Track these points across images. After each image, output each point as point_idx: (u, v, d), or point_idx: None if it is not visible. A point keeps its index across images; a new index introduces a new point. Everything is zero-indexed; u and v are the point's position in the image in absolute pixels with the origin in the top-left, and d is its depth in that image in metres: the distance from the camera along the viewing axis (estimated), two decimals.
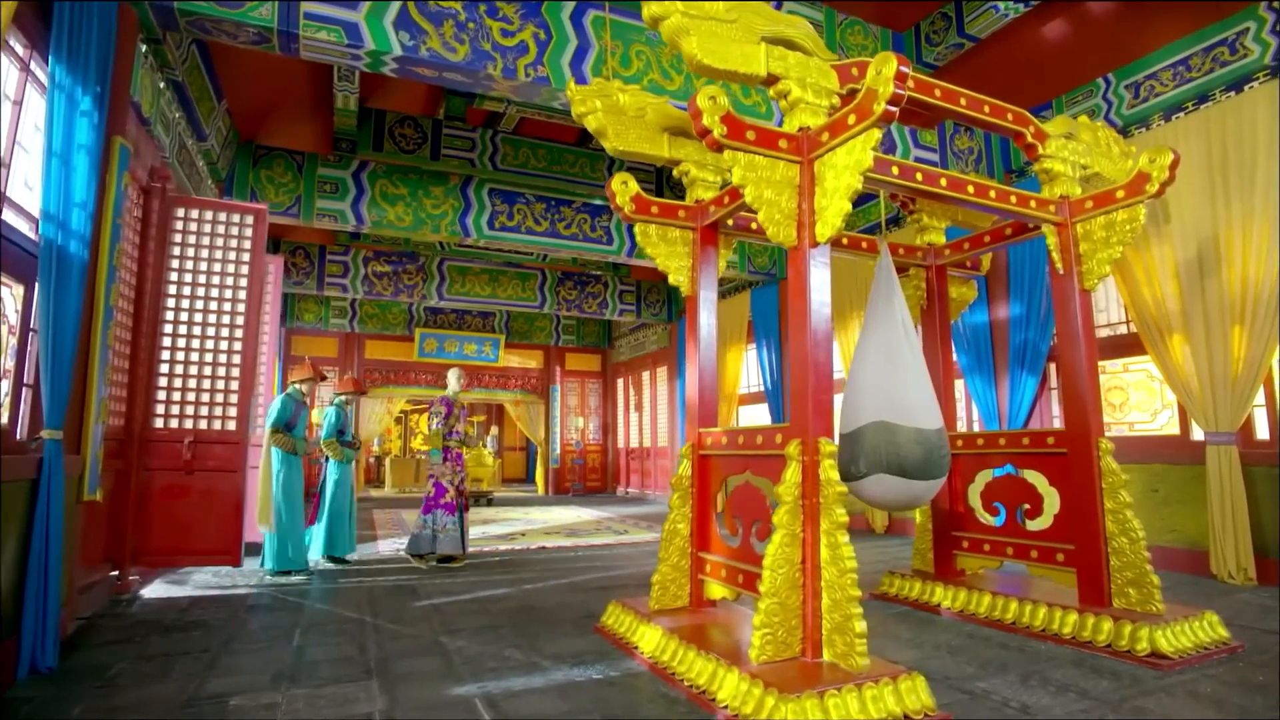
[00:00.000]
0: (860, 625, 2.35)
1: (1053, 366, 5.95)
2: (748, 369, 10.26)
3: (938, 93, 3.12)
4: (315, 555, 5.54)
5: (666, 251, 3.49)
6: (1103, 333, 5.68)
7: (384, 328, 13.13)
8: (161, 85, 4.55)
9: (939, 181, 3.10)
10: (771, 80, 2.77)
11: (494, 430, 17.82)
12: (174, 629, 3.55)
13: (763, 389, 9.42)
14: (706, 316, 3.52)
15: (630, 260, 8.89)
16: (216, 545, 4.58)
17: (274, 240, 9.73)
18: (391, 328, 13.19)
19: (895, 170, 2.95)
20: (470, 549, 6.48)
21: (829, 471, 2.51)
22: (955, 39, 5.69)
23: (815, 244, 2.66)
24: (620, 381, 14.58)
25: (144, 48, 4.16)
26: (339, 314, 12.74)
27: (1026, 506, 3.74)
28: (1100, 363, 5.63)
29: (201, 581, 4.81)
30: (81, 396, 3.35)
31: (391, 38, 4.27)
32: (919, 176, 3.02)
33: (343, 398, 6.07)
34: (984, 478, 3.96)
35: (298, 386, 5.39)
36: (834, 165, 2.60)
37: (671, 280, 3.53)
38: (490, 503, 11.78)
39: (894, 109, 2.39)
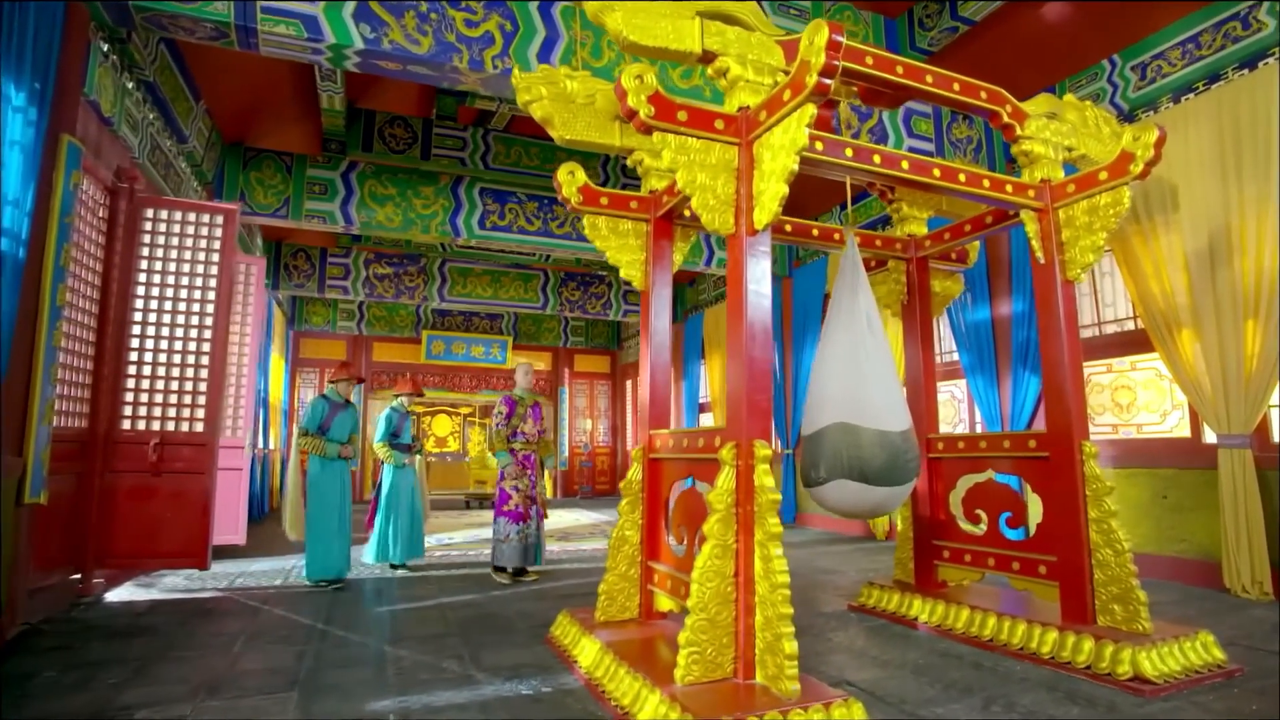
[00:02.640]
0: (790, 646, 2.15)
1: None
2: None
3: (900, 70, 2.90)
4: (370, 560, 5.37)
5: (618, 245, 3.33)
6: (1109, 329, 5.36)
7: (391, 330, 13.18)
8: (130, 85, 4.52)
9: (900, 164, 2.88)
10: (708, 57, 2.59)
11: None
12: (120, 634, 3.49)
13: None
14: (661, 312, 3.34)
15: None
16: (184, 548, 4.53)
17: (275, 243, 9.79)
18: (399, 330, 13.23)
19: (849, 153, 2.75)
20: (454, 554, 6.38)
21: (763, 477, 2.32)
22: (949, 22, 5.44)
23: (753, 231, 2.47)
24: (629, 383, 14.43)
25: (105, 46, 4.12)
26: (346, 316, 12.82)
27: (1009, 515, 3.49)
28: (1107, 360, 5.35)
29: (171, 585, 4.77)
30: (24, 397, 3.31)
31: (352, 30, 4.18)
32: (877, 159, 2.81)
33: (401, 400, 5.84)
34: (965, 483, 3.72)
35: (333, 387, 5.13)
36: (770, 146, 2.41)
37: (623, 275, 3.37)
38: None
39: (827, 81, 2.19)
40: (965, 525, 3.70)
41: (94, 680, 2.79)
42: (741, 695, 2.18)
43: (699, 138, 2.51)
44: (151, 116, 4.98)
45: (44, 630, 3.52)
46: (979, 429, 6.28)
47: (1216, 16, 4.58)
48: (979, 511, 3.61)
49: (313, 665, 3.02)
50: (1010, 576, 3.40)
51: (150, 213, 4.67)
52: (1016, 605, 3.39)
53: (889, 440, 2.80)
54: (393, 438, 5.59)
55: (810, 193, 7.61)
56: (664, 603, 3.03)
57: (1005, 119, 3.22)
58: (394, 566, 5.42)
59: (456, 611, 4.07)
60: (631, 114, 2.44)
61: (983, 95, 3.14)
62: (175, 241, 4.72)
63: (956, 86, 3.06)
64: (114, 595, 4.39)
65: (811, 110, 2.25)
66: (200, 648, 3.28)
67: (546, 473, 5.28)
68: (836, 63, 2.18)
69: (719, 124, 2.54)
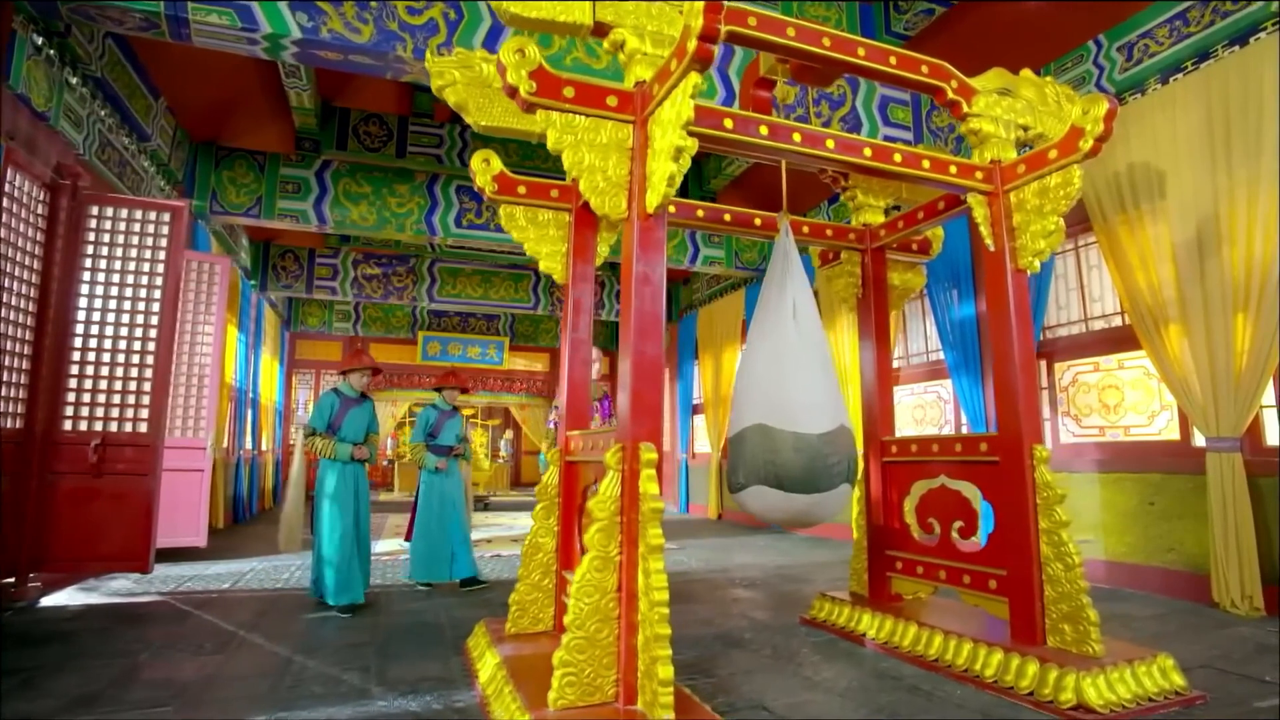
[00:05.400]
0: (665, 671, 1.95)
1: (1043, 364, 5.33)
2: None
3: (826, 42, 2.68)
4: (411, 576, 4.82)
5: (536, 236, 3.15)
6: (1096, 325, 5.06)
7: (388, 331, 13.15)
8: (72, 81, 4.45)
9: (825, 144, 2.66)
10: (602, 29, 2.40)
11: (507, 434, 17.72)
12: (34, 642, 3.38)
13: None
14: (584, 306, 3.15)
15: (618, 259, 8.58)
16: (125, 551, 4.43)
17: (263, 244, 9.78)
18: (395, 330, 13.20)
19: (764, 130, 2.54)
20: None
21: (647, 484, 2.12)
22: (924, 4, 5.19)
23: (645, 214, 2.28)
24: None
25: (39, 40, 4.05)
26: (343, 318, 12.82)
27: (960, 524, 3.23)
28: (1094, 359, 5.04)
29: (115, 588, 4.69)
30: None
31: (288, 19, 4.06)
32: (796, 138, 2.60)
33: (443, 396, 5.13)
34: (919, 489, 3.47)
35: (347, 381, 4.49)
36: (661, 122, 2.22)
37: (543, 267, 3.19)
38: (487, 507, 11.60)
39: (709, 45, 1.98)
40: (919, 534, 3.45)
41: None
42: None
43: (589, 115, 2.32)
44: (103, 114, 4.91)
45: None
46: (964, 430, 5.99)
47: None
48: (931, 520, 3.36)
49: (210, 675, 2.88)
50: (961, 591, 3.15)
51: (95, 210, 4.59)
52: (969, 622, 3.14)
53: (806, 444, 2.58)
54: (429, 438, 4.99)
55: (796, 187, 7.37)
56: None
57: (950, 95, 2.98)
58: (460, 584, 4.76)
59: (392, 618, 3.92)
60: (512, 91, 2.26)
61: (924, 69, 2.91)
62: (121, 239, 4.64)
63: (893, 60, 2.83)
64: (51, 599, 4.31)
65: (695, 80, 2.05)
66: (106, 656, 3.16)
67: None
68: (718, 26, 1.97)
69: (612, 100, 2.35)
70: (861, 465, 3.74)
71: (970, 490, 3.17)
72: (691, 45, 1.99)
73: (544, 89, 2.27)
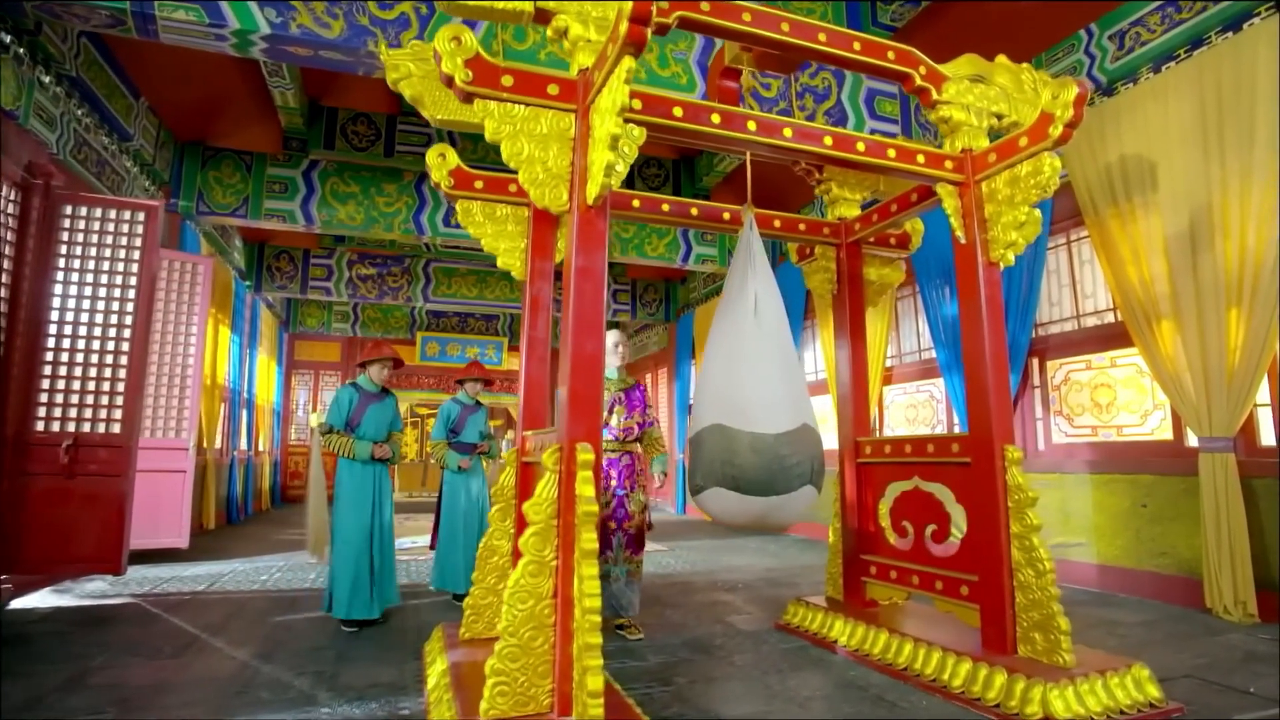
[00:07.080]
0: (595, 682, 1.86)
1: (1035, 361, 5.19)
2: None
3: (785, 27, 2.59)
4: (433, 585, 4.51)
5: (494, 231, 3.07)
6: (1089, 321, 4.91)
7: (386, 331, 13.14)
8: (45, 80, 4.44)
9: (782, 133, 2.56)
10: (544, 16, 2.31)
11: (509, 434, 17.67)
12: None
13: None
14: (543, 303, 3.07)
15: (620, 258, 8.54)
16: (98, 553, 4.39)
17: (258, 245, 9.79)
18: (394, 331, 13.19)
19: (716, 119, 2.45)
20: (404, 559, 6.17)
21: (583, 486, 2.03)
22: None
23: (586, 206, 2.19)
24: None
25: (7, 39, 4.03)
26: (341, 318, 12.82)
27: (934, 527, 3.12)
28: (1086, 357, 4.90)
29: (89, 590, 4.66)
30: None
31: (257, 15, 4.01)
32: (751, 126, 2.51)
33: (465, 389, 4.80)
34: (894, 492, 3.35)
35: (366, 374, 4.18)
36: (600, 110, 2.13)
37: (501, 264, 3.11)
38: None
39: (641, 26, 1.90)
40: (893, 538, 3.34)
41: None
42: None
43: (530, 105, 2.24)
44: (79, 113, 4.89)
45: None
46: (956, 431, 5.85)
47: None
48: (905, 523, 3.25)
49: (160, 682, 2.82)
50: (934, 597, 3.04)
51: (69, 209, 4.56)
52: (942, 630, 3.02)
53: (763, 444, 2.48)
54: (451, 435, 4.66)
55: (789, 185, 7.26)
56: None
57: (919, 82, 2.87)
58: (456, 597, 4.35)
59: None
60: (449, 80, 2.18)
61: (890, 55, 2.80)
62: (95, 239, 4.60)
63: (857, 46, 2.73)
64: (22, 602, 4.29)
65: (629, 64, 1.96)
66: (59, 660, 3.11)
67: (657, 480, 3.96)
68: (650, 7, 1.89)
69: (553, 89, 2.27)
70: (838, 467, 3.64)
71: (943, 493, 3.05)
72: (623, 28, 1.91)
73: (481, 78, 2.19)
